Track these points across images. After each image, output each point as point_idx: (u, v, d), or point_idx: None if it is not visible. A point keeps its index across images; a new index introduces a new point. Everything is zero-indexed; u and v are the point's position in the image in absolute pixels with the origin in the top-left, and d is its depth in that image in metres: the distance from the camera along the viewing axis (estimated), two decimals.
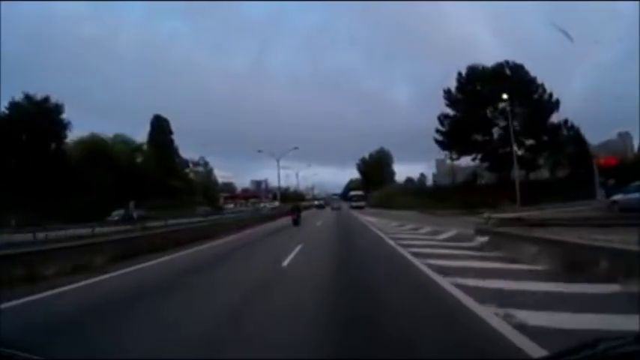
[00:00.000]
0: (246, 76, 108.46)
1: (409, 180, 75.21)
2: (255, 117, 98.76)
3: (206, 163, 64.99)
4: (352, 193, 61.76)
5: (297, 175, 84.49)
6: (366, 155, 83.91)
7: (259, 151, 50.20)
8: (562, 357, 1.10)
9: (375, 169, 77.46)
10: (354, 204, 51.44)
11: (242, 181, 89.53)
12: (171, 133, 52.57)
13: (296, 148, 47.94)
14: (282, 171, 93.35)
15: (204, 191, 56.64)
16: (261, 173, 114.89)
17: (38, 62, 56.38)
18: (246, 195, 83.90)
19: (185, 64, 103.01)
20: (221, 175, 74.23)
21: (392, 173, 78.06)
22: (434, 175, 63.86)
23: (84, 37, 76.07)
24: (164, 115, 51.51)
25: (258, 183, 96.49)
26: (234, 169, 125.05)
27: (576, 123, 34.94)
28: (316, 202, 64.81)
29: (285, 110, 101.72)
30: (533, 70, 36.37)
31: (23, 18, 61.06)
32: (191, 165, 60.14)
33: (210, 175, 67.23)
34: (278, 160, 46.21)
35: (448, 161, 49.88)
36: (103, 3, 68.45)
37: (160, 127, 51.88)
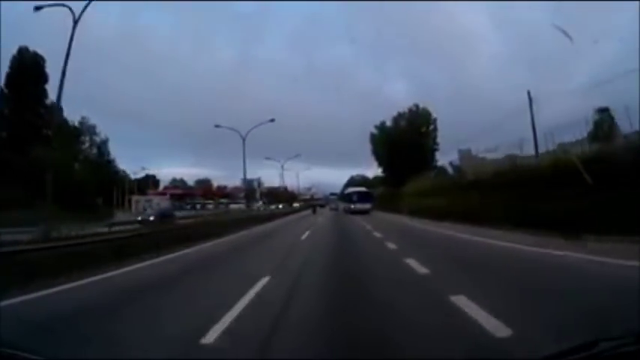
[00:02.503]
0: (234, 72, 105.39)
1: (442, 169, 39.82)
2: (250, 115, 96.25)
3: (92, 130, 40.43)
4: (351, 189, 40.75)
5: (291, 174, 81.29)
6: (388, 120, 44.67)
7: (243, 140, 35.13)
8: (562, 357, 1.11)
9: (406, 139, 39.47)
10: (355, 206, 32.96)
11: (236, 180, 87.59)
12: (44, 79, 30.70)
13: (298, 155, 46.18)
14: (276, 171, 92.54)
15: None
16: (256, 172, 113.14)
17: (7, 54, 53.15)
18: (221, 193, 75.32)
19: (167, 59, 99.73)
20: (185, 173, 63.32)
21: (432, 152, 41.10)
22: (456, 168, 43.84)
23: (58, 29, 72.42)
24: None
25: (249, 182, 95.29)
26: (229, 168, 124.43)
27: None
28: (301, 203, 63.56)
29: (279, 108, 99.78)
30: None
31: None
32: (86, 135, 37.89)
33: (102, 151, 41.73)
34: (278, 161, 43.57)
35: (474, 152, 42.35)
36: None
37: (23, 66, 30.39)
